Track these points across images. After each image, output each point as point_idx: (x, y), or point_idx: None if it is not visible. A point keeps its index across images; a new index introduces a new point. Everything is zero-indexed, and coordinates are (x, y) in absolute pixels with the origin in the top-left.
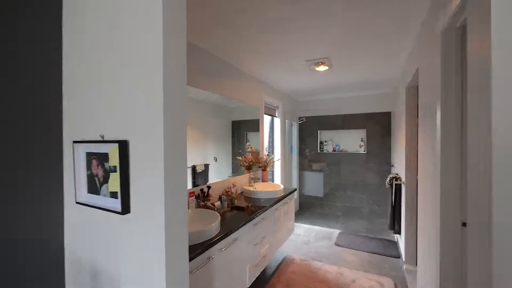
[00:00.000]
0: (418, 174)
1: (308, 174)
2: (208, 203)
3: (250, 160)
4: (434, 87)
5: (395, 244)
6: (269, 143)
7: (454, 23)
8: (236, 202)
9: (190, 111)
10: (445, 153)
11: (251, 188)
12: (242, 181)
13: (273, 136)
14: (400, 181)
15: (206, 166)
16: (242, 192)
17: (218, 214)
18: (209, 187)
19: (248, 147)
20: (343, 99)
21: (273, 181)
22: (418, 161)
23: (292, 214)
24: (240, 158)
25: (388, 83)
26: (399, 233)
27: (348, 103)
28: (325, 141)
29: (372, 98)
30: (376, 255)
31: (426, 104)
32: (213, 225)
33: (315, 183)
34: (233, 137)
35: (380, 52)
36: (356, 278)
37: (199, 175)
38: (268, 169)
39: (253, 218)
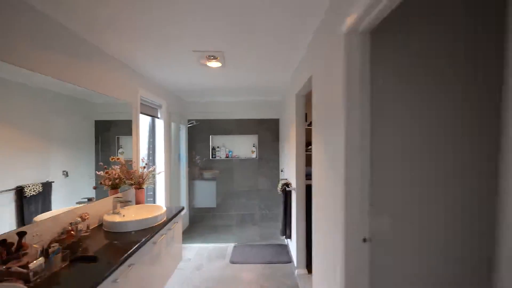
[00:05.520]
0: (313, 181)
1: (199, 184)
2: (15, 267)
3: (117, 176)
4: (334, 94)
5: (285, 248)
6: (149, 151)
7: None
8: (85, 247)
9: (11, 102)
10: (350, 164)
11: (114, 218)
12: (104, 208)
13: (155, 142)
14: (290, 187)
15: (47, 185)
16: (102, 225)
17: None
18: (22, 234)
19: (113, 159)
20: (236, 104)
21: (154, 201)
22: (313, 169)
23: (179, 239)
24: (101, 173)
25: (278, 90)
26: (290, 237)
27: (241, 107)
28: (218, 147)
29: (263, 104)
30: (270, 265)
31: (321, 112)
32: None
33: (207, 193)
34: (97, 142)
35: (273, 53)
36: None
37: (33, 202)
38: (145, 185)
39: (110, 274)
